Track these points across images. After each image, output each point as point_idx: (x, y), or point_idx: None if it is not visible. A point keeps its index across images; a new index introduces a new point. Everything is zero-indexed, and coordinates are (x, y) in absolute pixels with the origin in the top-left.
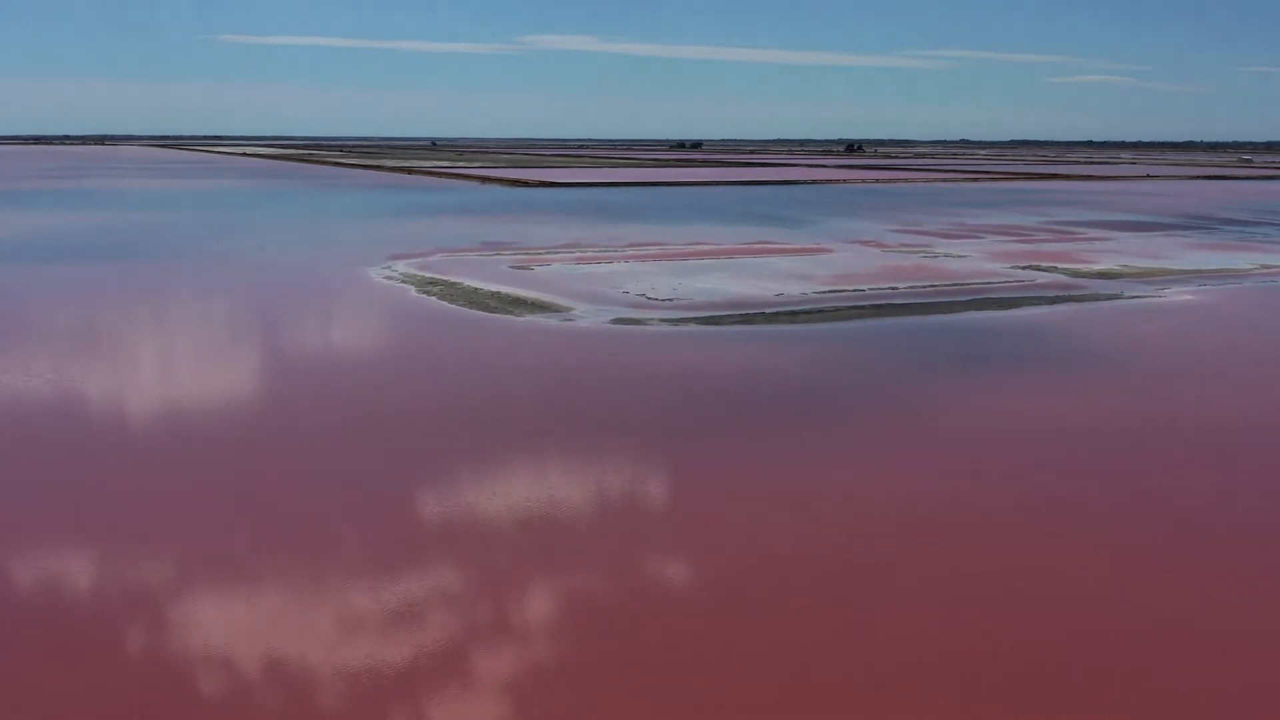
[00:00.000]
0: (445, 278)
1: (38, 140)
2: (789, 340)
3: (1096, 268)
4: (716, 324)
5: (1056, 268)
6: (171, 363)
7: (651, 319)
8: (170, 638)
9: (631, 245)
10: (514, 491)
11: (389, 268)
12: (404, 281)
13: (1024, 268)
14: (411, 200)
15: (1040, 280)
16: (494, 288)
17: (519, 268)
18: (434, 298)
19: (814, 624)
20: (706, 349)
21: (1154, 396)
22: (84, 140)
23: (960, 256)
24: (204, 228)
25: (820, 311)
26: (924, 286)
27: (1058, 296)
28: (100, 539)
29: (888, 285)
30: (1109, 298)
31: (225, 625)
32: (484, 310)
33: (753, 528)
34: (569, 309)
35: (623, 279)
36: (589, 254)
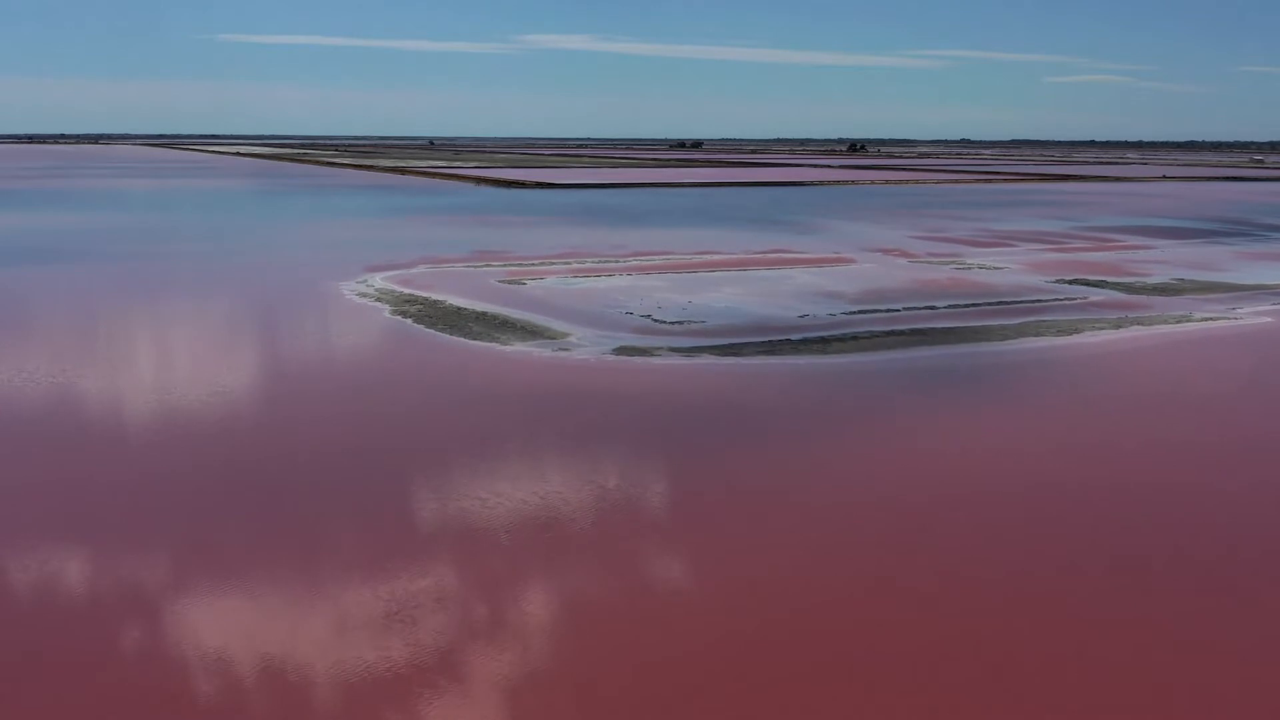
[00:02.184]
0: (425, 294)
1: (31, 139)
2: (825, 378)
3: (1151, 282)
4: (735, 354)
5: (1106, 282)
6: (83, 399)
7: (659, 348)
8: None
9: (634, 254)
10: (467, 626)
11: (364, 282)
12: (378, 299)
13: (1070, 282)
14: (400, 203)
15: (1094, 298)
16: (480, 307)
17: (510, 282)
18: (410, 320)
19: None
20: (728, 391)
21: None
22: (78, 139)
23: (996, 268)
24: (169, 232)
25: (854, 338)
26: (965, 306)
27: (1121, 319)
28: None
29: (924, 304)
30: (1179, 320)
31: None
32: (466, 337)
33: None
34: (564, 335)
35: (625, 296)
36: (587, 265)
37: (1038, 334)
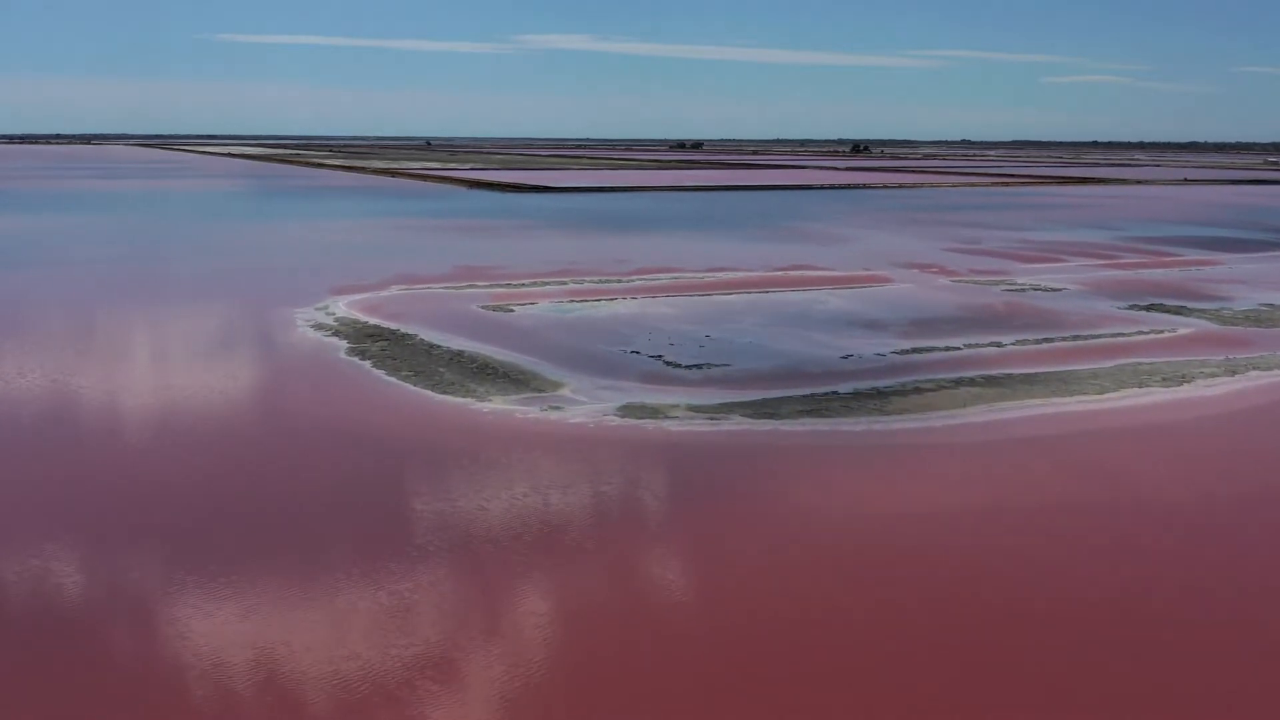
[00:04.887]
0: (393, 326)
1: (24, 140)
2: (892, 454)
3: (1239, 309)
4: (773, 415)
5: (1187, 308)
6: None
7: (677, 406)
8: None
9: (638, 272)
10: None
11: (324, 309)
12: (335, 333)
13: (1146, 308)
14: (386, 208)
15: (1183, 331)
16: (457, 344)
17: (495, 308)
18: (369, 363)
19: None
20: (772, 478)
21: None
22: (73, 140)
23: (1054, 290)
24: (115, 239)
25: (917, 389)
26: (1036, 343)
27: (1231, 362)
28: None
29: (987, 339)
30: None
31: None
32: (434, 388)
33: None
34: (556, 386)
35: (631, 328)
36: (585, 285)
37: (1140, 383)
